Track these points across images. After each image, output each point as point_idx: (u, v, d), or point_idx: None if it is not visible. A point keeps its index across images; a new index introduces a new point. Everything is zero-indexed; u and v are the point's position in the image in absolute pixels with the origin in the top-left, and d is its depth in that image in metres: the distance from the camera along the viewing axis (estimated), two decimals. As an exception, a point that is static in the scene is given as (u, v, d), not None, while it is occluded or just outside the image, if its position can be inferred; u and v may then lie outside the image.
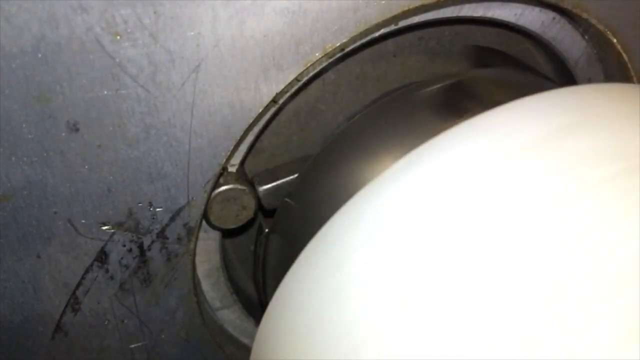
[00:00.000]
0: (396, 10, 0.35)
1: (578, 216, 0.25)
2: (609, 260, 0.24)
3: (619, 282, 0.23)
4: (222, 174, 0.37)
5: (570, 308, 0.23)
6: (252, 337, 0.47)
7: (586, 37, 0.43)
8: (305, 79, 0.36)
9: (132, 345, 0.41)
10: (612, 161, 0.27)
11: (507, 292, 0.25)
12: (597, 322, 0.22)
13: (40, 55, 0.30)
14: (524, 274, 0.25)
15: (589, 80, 0.44)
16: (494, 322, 0.24)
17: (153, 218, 0.36)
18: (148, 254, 0.37)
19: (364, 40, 0.36)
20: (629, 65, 0.41)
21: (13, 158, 0.32)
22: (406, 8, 0.35)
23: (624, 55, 0.41)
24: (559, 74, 0.46)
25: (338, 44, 0.34)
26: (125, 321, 0.40)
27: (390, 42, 0.43)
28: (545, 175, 0.27)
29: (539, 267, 0.25)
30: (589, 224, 0.25)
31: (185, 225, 0.37)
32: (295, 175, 0.40)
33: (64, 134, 0.32)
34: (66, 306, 0.38)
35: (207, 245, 0.43)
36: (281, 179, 0.40)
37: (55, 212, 0.34)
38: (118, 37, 0.31)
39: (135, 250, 0.37)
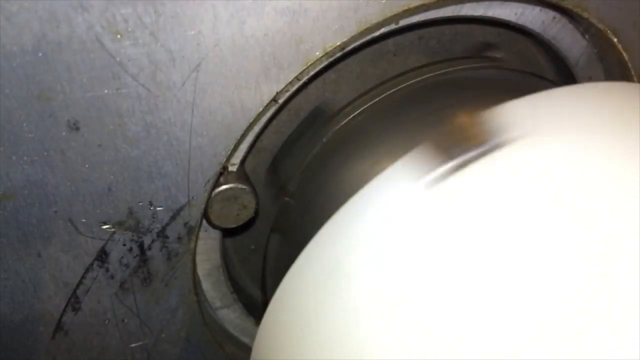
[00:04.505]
0: (396, 9, 0.35)
1: (578, 216, 0.25)
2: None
3: None
4: (223, 173, 0.37)
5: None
6: (252, 336, 0.47)
7: (586, 36, 0.43)
8: (305, 78, 0.36)
9: (133, 345, 0.41)
10: (613, 158, 0.27)
11: (504, 292, 0.25)
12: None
13: (40, 54, 0.30)
14: (526, 277, 0.25)
15: (590, 80, 0.45)
16: (488, 318, 0.24)
17: (153, 217, 0.36)
18: (148, 253, 0.37)
19: (364, 40, 0.36)
20: (630, 65, 0.41)
21: (13, 157, 0.32)
22: (406, 7, 0.35)
23: (625, 55, 0.41)
24: (560, 73, 0.46)
25: (338, 43, 0.34)
26: (126, 320, 0.40)
27: (390, 42, 0.43)
28: (547, 174, 0.27)
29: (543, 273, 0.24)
30: (590, 225, 0.25)
31: (185, 224, 0.37)
32: None
33: (64, 133, 0.32)
34: (66, 305, 0.38)
35: (208, 245, 0.43)
36: None
37: (55, 212, 0.34)
38: (118, 36, 0.31)
39: (136, 250, 0.37)
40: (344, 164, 0.39)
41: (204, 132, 0.34)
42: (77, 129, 0.32)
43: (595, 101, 0.31)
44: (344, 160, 0.39)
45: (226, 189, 0.37)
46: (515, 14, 0.41)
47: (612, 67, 0.43)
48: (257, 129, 0.37)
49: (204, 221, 0.39)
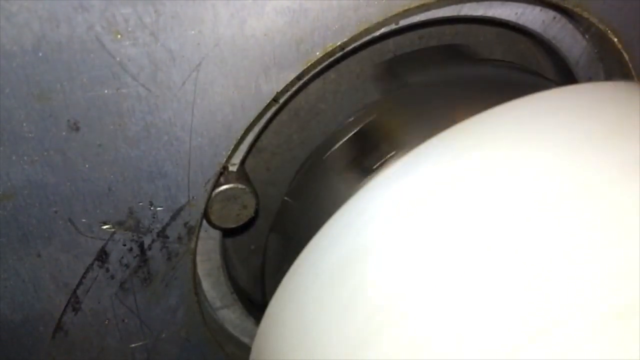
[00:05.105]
0: (397, 9, 0.35)
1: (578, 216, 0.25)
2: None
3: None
4: (223, 173, 0.37)
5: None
6: (252, 336, 0.47)
7: (587, 36, 0.43)
8: (305, 78, 0.36)
9: (133, 345, 0.41)
10: (614, 159, 0.27)
11: (503, 290, 0.25)
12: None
13: (40, 54, 0.30)
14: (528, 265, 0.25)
15: (590, 80, 0.45)
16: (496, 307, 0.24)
17: (153, 217, 0.36)
18: (148, 253, 0.37)
19: (364, 40, 0.36)
20: (630, 65, 0.41)
21: (13, 157, 0.32)
22: (407, 7, 0.35)
23: (625, 55, 0.41)
24: (560, 73, 0.46)
25: (339, 43, 0.34)
26: (126, 320, 0.40)
27: (390, 42, 0.43)
28: (547, 175, 0.27)
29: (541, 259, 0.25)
30: (589, 224, 0.25)
31: (185, 224, 0.37)
32: None
33: (64, 133, 0.32)
34: (66, 305, 0.38)
35: (208, 245, 0.43)
36: None
37: (55, 211, 0.34)
38: (119, 36, 0.31)
39: (136, 250, 0.37)
40: (345, 163, 0.39)
41: (204, 132, 0.34)
42: (77, 129, 0.32)
43: (595, 101, 0.31)
44: (344, 159, 0.39)
45: (226, 189, 0.37)
46: (516, 14, 0.41)
47: (612, 67, 0.43)
48: (257, 129, 0.37)
49: (204, 221, 0.39)
